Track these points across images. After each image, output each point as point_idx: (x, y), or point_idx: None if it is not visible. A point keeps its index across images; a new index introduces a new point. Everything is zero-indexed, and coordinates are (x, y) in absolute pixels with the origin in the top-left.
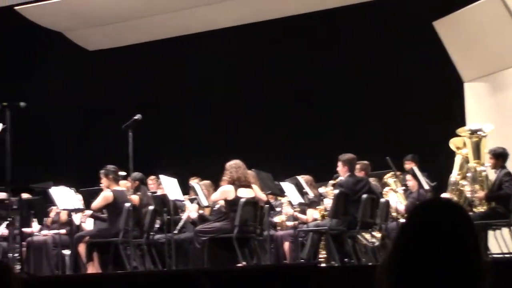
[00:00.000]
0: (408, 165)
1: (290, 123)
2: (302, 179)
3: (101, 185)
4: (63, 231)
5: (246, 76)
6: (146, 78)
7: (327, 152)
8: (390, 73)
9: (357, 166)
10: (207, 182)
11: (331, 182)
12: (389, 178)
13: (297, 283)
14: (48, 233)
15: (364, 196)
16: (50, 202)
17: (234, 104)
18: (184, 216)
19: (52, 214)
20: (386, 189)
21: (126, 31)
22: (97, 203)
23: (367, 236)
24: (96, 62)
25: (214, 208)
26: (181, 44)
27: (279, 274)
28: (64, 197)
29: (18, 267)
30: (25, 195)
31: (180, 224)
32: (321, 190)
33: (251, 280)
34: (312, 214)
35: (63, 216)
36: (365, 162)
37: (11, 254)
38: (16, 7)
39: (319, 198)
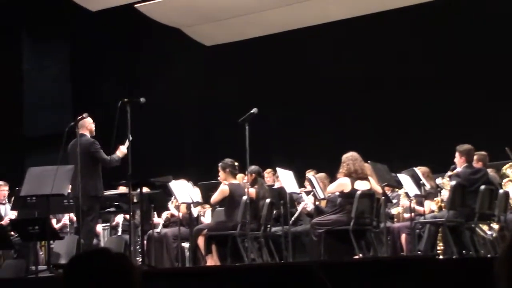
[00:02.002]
0: None
1: (406, 114)
2: (418, 170)
3: (218, 178)
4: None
5: (360, 68)
6: (262, 71)
7: (444, 143)
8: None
9: (475, 157)
10: (322, 174)
11: (448, 173)
12: (507, 168)
13: (415, 275)
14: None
15: (482, 187)
16: (170, 195)
17: (350, 96)
18: (299, 208)
19: (170, 208)
20: (505, 180)
21: (242, 26)
22: (215, 197)
23: (485, 227)
24: (213, 57)
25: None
26: (297, 37)
27: (396, 266)
28: (183, 191)
29: (139, 259)
30: (145, 189)
31: (295, 216)
32: (438, 181)
33: (368, 272)
34: (429, 205)
35: (183, 209)
36: (483, 152)
37: (132, 247)
38: (136, 5)
39: (436, 189)
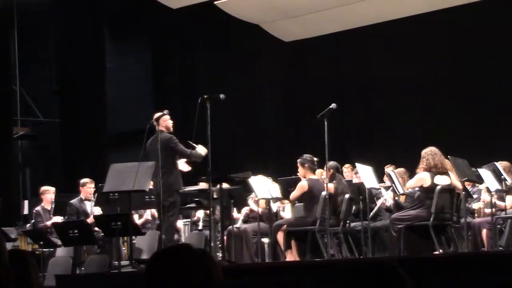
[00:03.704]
0: None
1: (487, 108)
2: (500, 165)
3: (297, 174)
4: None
5: (440, 63)
6: (341, 67)
7: None
8: None
9: None
10: (401, 169)
11: None
12: None
13: (496, 271)
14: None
15: None
16: (249, 191)
17: (429, 92)
18: (378, 203)
19: (250, 203)
20: None
21: (320, 21)
22: (294, 194)
23: None
24: (292, 53)
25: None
26: (376, 32)
27: (477, 262)
28: (263, 186)
29: (219, 254)
30: (225, 185)
31: (374, 211)
32: None
33: (449, 268)
34: (511, 200)
35: (262, 205)
36: None
37: (213, 243)
38: (215, 2)
39: None
